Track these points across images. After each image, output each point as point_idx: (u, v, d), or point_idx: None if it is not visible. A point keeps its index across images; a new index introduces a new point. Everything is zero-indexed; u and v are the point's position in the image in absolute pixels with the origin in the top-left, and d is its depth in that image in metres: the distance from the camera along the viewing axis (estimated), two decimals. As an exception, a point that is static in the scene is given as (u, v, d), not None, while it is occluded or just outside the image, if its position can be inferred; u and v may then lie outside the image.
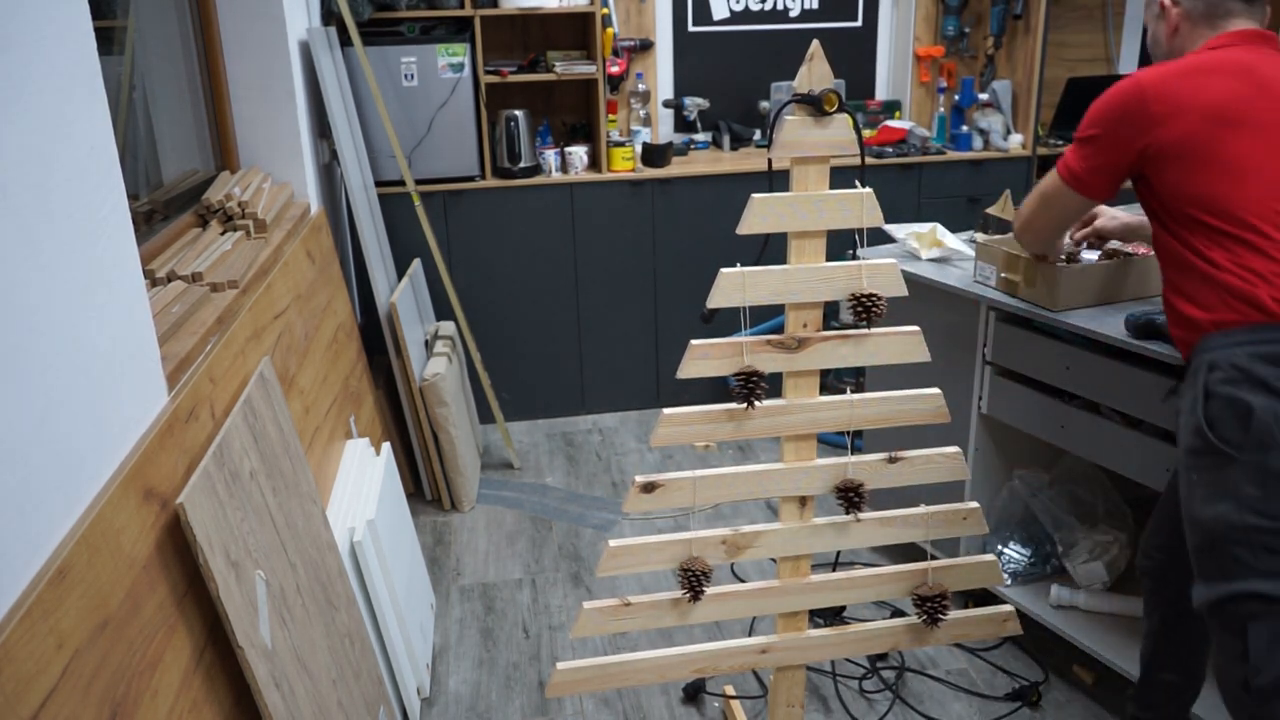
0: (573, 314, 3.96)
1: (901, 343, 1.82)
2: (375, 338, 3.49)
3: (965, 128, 4.16)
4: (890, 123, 4.19)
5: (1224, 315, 1.67)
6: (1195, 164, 1.71)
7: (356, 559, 2.24)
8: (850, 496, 1.86)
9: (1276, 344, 1.62)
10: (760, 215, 1.70)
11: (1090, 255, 2.34)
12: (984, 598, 2.62)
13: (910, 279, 2.58)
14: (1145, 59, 4.52)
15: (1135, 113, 1.75)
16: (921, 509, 1.92)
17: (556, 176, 3.81)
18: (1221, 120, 1.70)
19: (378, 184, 3.62)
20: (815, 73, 1.68)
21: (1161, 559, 1.99)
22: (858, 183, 1.74)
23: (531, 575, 3.02)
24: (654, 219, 3.90)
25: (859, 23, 4.33)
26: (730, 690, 2.44)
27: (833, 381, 3.79)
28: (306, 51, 3.22)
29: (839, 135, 1.70)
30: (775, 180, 1.75)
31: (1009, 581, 2.61)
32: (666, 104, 4.19)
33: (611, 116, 3.96)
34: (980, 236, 2.62)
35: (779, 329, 1.80)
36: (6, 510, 1.10)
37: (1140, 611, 2.42)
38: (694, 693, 2.46)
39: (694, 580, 1.84)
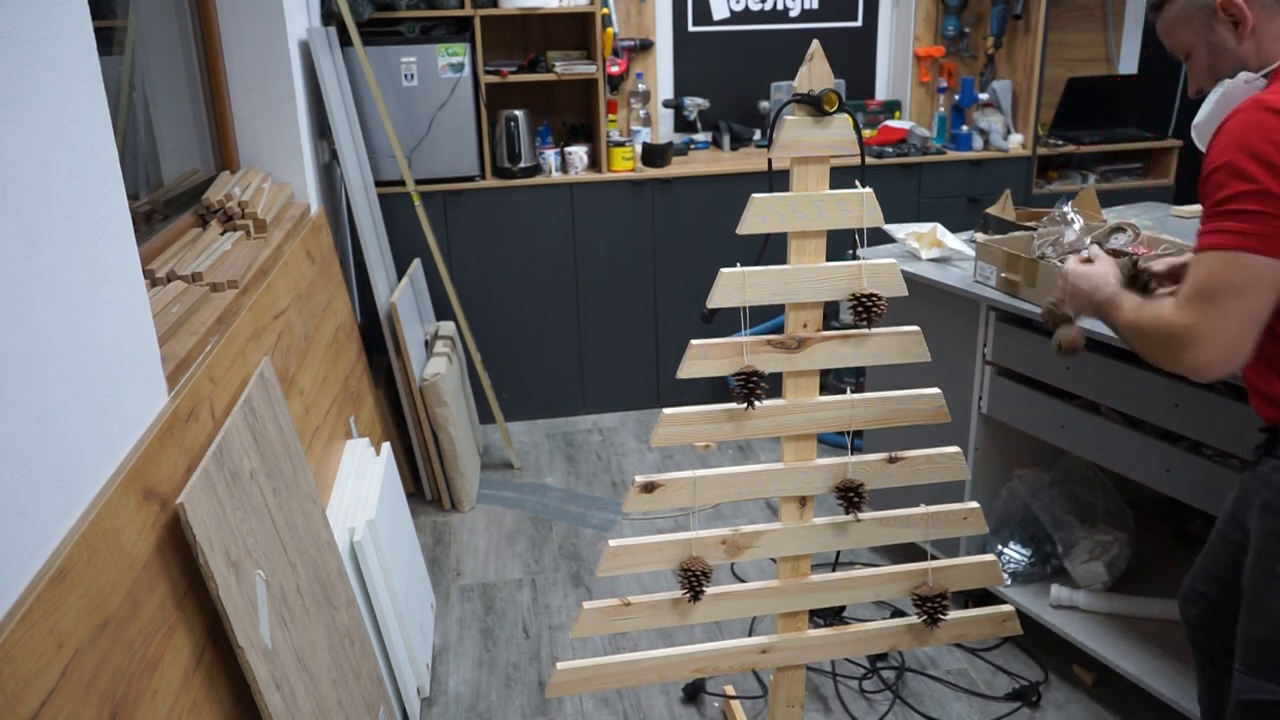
0: (573, 314, 3.96)
1: (901, 343, 1.82)
2: (375, 338, 3.49)
3: (965, 128, 4.16)
4: (890, 123, 4.19)
5: None
6: None
7: (356, 559, 2.24)
8: (850, 496, 1.86)
9: None
10: (760, 215, 1.70)
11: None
12: (984, 598, 2.62)
13: (910, 279, 2.58)
14: (1145, 59, 4.53)
15: None
16: (921, 509, 1.92)
17: (556, 176, 3.81)
18: None
19: (378, 184, 3.62)
20: (815, 73, 1.68)
21: (1204, 608, 1.78)
22: (858, 183, 1.74)
23: (531, 575, 3.02)
24: (654, 219, 3.90)
25: (859, 23, 4.33)
26: (730, 690, 2.44)
27: (833, 381, 3.79)
28: (306, 51, 3.22)
29: (839, 135, 1.70)
30: (775, 180, 1.75)
31: (1009, 581, 2.61)
32: (666, 104, 4.19)
33: (611, 116, 3.95)
34: (980, 236, 2.61)
35: (779, 329, 1.80)
36: (6, 510, 1.10)
37: (1140, 611, 2.43)
38: (694, 693, 2.46)
39: (694, 580, 1.84)
